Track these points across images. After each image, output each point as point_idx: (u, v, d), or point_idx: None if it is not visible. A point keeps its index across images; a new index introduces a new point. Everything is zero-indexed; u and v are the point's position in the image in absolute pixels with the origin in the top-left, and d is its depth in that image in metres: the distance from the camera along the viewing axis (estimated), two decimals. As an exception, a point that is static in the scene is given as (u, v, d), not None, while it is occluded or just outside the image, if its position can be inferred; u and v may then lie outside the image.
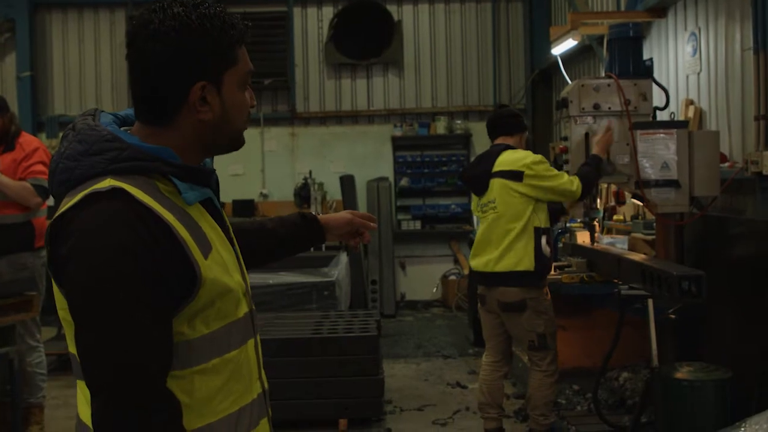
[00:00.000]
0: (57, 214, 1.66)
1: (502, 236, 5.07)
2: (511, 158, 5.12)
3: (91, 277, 1.58)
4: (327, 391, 5.90)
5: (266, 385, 1.95)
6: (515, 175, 5.03)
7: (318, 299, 7.92)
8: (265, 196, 11.45)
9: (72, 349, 1.70)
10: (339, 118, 11.69)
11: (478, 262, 5.24)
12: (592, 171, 5.11)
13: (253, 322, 1.89)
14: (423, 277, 11.47)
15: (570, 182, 5.00)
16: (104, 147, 1.68)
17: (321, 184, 10.83)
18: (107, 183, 1.63)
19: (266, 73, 11.30)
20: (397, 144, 11.56)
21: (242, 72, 1.78)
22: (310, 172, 10.75)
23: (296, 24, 11.56)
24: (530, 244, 5.02)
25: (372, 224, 2.50)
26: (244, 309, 1.84)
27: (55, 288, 1.69)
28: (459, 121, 11.49)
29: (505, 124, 5.34)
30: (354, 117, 11.69)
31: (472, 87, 11.69)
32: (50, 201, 5.30)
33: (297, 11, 11.56)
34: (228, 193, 10.93)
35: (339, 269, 8.30)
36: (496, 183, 5.12)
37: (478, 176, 5.25)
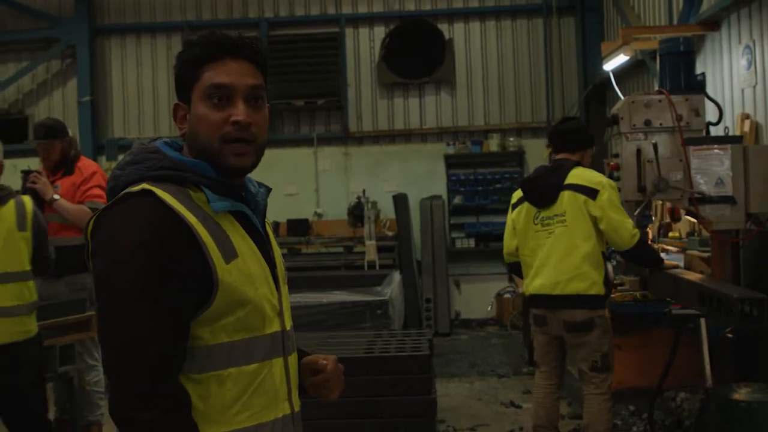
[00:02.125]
0: (96, 213, 1.81)
1: (569, 253, 4.88)
2: (585, 175, 4.97)
3: (109, 268, 1.73)
4: (379, 411, 5.88)
5: (297, 408, 1.99)
6: (591, 192, 4.86)
7: (371, 318, 7.93)
8: (319, 215, 11.53)
9: None
10: (392, 137, 11.74)
11: (542, 284, 4.99)
12: (651, 255, 5.12)
13: (284, 343, 1.94)
14: (478, 296, 11.41)
15: (633, 228, 4.87)
16: (146, 157, 1.86)
17: (374, 203, 10.88)
18: (141, 186, 1.80)
19: (319, 93, 11.43)
20: (450, 162, 11.55)
21: (204, 86, 1.87)
22: (364, 191, 10.81)
23: (348, 44, 11.66)
24: (601, 269, 4.88)
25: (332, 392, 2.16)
26: (274, 327, 1.90)
27: None
28: (512, 139, 11.46)
29: (569, 139, 5.15)
30: (407, 136, 11.73)
31: (524, 104, 11.65)
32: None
33: (349, 32, 11.67)
34: (282, 213, 11.05)
35: (392, 288, 8.31)
36: (567, 196, 4.92)
37: (545, 188, 5.01)
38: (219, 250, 1.78)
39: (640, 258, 5.14)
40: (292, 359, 1.99)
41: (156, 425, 1.68)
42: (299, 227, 11.17)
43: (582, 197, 4.88)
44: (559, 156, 5.15)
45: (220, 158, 1.86)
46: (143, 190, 1.77)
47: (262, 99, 1.94)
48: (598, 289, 4.88)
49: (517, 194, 5.28)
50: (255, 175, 2.03)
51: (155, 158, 1.85)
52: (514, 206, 5.27)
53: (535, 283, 5.05)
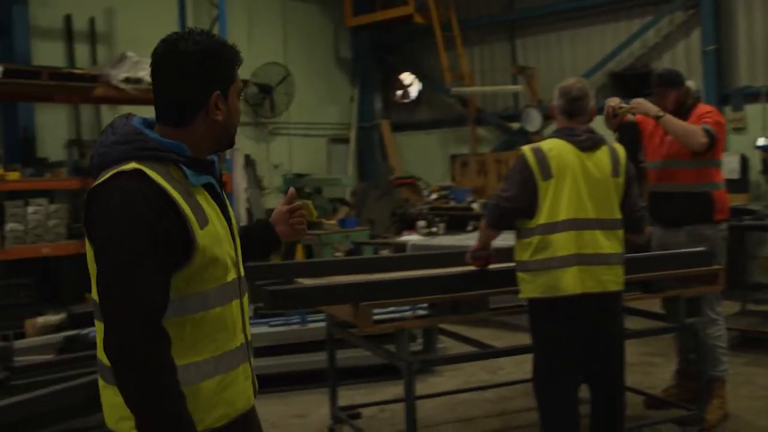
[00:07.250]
0: (92, 186, 2.15)
1: None
2: None
3: (113, 236, 2.08)
4: None
5: (249, 338, 2.41)
6: None
7: None
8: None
9: (93, 294, 2.19)
10: None
11: None
12: None
13: (240, 287, 2.36)
14: None
15: None
16: (132, 138, 2.18)
17: None
18: (131, 165, 2.12)
19: None
20: None
21: (239, 86, 2.32)
22: None
23: None
24: None
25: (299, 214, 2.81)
26: (232, 276, 2.32)
27: (87, 244, 2.18)
28: None
29: None
30: None
31: None
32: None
33: None
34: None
35: None
36: None
37: None
38: (196, 218, 2.15)
39: None
40: (245, 299, 2.40)
41: (155, 354, 2.05)
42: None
43: None
44: None
45: (234, 139, 2.36)
46: (135, 170, 2.10)
47: None
48: None
49: None
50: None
51: (140, 140, 2.17)
52: None
53: None
